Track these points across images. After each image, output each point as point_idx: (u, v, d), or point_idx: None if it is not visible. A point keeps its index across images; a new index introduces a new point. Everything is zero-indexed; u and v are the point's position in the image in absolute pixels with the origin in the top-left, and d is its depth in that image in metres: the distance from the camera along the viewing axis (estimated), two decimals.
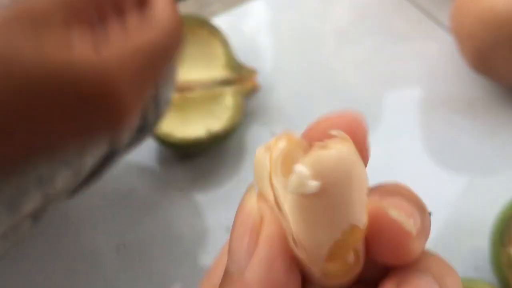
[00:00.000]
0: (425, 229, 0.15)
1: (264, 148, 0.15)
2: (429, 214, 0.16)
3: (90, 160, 0.31)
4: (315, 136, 0.15)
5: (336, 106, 0.49)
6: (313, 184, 0.13)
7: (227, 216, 0.45)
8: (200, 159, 0.47)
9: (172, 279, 0.43)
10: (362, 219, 0.14)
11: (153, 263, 0.43)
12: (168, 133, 0.45)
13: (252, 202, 0.14)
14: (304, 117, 0.48)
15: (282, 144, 0.15)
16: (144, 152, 0.48)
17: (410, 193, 0.15)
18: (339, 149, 0.13)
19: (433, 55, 0.53)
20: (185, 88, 0.48)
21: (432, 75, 0.51)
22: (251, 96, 0.50)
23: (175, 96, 0.47)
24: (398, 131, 0.48)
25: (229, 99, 0.47)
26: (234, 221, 0.14)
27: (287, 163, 0.14)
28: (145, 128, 0.34)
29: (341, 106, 0.49)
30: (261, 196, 0.15)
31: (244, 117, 0.48)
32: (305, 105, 0.50)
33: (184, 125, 0.46)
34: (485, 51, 0.45)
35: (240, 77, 0.49)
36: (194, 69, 0.50)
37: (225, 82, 0.48)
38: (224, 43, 0.49)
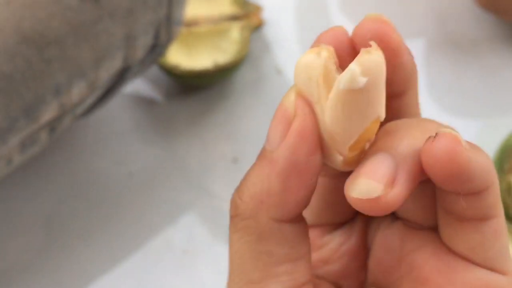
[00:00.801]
0: (403, 162, 0.16)
1: (313, 54, 0.17)
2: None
3: (105, 74, 0.32)
4: (358, 39, 0.18)
5: None
6: (362, 80, 0.16)
7: (233, 148, 0.46)
8: (206, 92, 0.48)
9: (179, 207, 0.44)
10: (383, 112, 0.17)
11: (161, 192, 0.45)
12: (175, 65, 0.46)
13: (290, 99, 0.17)
14: None
15: (325, 54, 0.17)
16: (152, 85, 0.49)
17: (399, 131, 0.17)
18: (379, 55, 0.16)
19: None
20: (192, 23, 0.49)
21: (437, 14, 0.52)
22: (256, 32, 0.50)
23: (182, 30, 0.48)
24: None
25: (235, 33, 0.48)
26: (275, 112, 0.17)
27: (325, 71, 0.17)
28: (157, 47, 0.35)
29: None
30: (300, 95, 0.17)
31: (249, 53, 0.49)
32: (309, 40, 0.51)
33: (191, 58, 0.47)
34: None
35: (246, 13, 0.49)
36: (201, 5, 0.50)
37: (232, 18, 0.49)
38: None
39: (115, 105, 0.47)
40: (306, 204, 0.17)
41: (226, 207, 0.46)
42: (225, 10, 0.49)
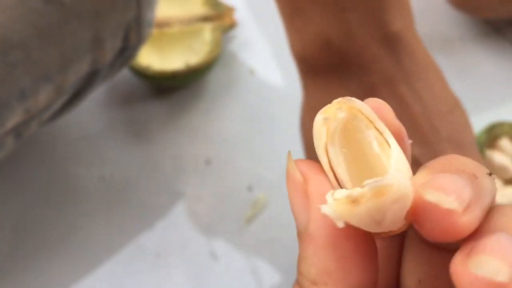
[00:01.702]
0: (481, 195, 0.15)
1: (322, 118, 0.16)
2: (489, 175, 0.16)
3: (72, 77, 0.32)
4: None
5: None
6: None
7: (207, 149, 0.46)
8: (179, 93, 0.48)
9: (152, 210, 0.44)
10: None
11: (134, 194, 0.44)
12: (147, 66, 0.45)
13: (293, 169, 0.16)
14: (280, 54, 0.48)
15: (341, 115, 0.16)
16: (123, 87, 0.48)
17: (460, 162, 0.16)
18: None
19: None
20: (163, 24, 0.48)
21: None
22: (229, 33, 0.50)
23: (153, 31, 0.47)
24: None
25: (207, 34, 0.48)
26: (286, 185, 0.16)
27: (348, 130, 0.16)
28: (127, 50, 0.34)
29: None
30: (311, 161, 0.16)
31: (222, 53, 0.49)
32: (282, 41, 0.51)
33: (163, 59, 0.46)
34: None
35: (218, 14, 0.49)
36: (173, 6, 0.50)
37: (204, 19, 0.49)
38: None
39: (85, 107, 0.46)
40: (371, 271, 0.16)
41: (199, 209, 0.46)
42: (197, 11, 0.49)
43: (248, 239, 0.41)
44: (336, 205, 0.14)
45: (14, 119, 0.30)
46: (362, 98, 0.16)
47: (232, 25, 0.49)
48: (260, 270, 0.40)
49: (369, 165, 0.16)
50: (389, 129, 0.16)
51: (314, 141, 0.16)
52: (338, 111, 0.16)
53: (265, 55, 0.50)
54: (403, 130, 0.16)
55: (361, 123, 0.16)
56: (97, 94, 0.47)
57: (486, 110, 0.46)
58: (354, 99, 0.16)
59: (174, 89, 0.48)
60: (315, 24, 0.28)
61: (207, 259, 0.41)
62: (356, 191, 0.14)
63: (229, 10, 0.49)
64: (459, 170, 0.15)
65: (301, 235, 0.16)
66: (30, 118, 0.31)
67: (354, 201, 0.14)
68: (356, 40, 0.28)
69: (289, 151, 0.16)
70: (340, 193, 0.15)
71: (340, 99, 0.16)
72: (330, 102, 0.16)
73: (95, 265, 0.41)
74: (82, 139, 0.46)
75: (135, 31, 0.34)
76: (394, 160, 0.15)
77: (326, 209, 0.14)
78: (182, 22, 0.48)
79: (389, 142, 0.16)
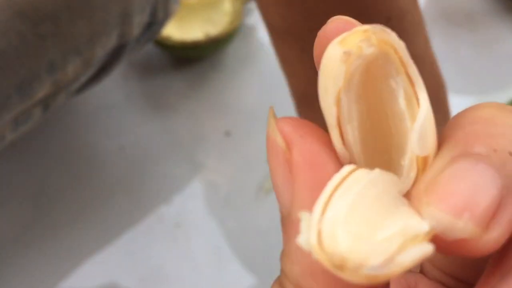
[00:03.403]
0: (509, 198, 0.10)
1: (342, 53, 0.11)
2: None
3: (100, 51, 0.32)
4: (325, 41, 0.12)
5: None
6: None
7: (226, 122, 0.46)
8: (198, 65, 0.48)
9: (171, 181, 0.44)
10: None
11: (153, 165, 0.44)
12: (167, 36, 0.45)
13: (273, 131, 0.12)
14: None
15: (369, 50, 0.11)
16: (143, 59, 0.48)
17: (498, 127, 0.11)
18: None
19: None
20: None
21: None
22: (249, 4, 0.49)
23: None
24: None
25: (227, 5, 0.47)
26: (268, 160, 0.12)
27: (371, 73, 0.12)
28: (153, 25, 0.34)
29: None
30: (298, 119, 0.12)
31: (241, 25, 0.48)
32: None
33: (183, 30, 0.46)
34: None
35: None
36: None
37: None
38: None
39: (106, 78, 0.46)
40: None
41: (218, 180, 0.47)
42: None
43: (266, 210, 0.42)
44: (318, 248, 0.10)
45: (42, 91, 0.30)
46: None
47: None
48: (275, 243, 0.41)
49: (388, 126, 0.12)
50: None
51: (322, 84, 0.12)
52: (364, 44, 0.11)
53: None
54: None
55: (391, 66, 0.12)
56: None
57: (509, 85, 0.46)
58: (387, 29, 0.11)
59: (193, 60, 0.48)
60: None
61: (226, 229, 0.42)
62: (340, 255, 0.10)
63: None
64: (489, 148, 0.11)
65: (284, 220, 0.12)
66: (58, 90, 0.31)
67: (340, 267, 0.10)
68: None
69: (271, 107, 0.12)
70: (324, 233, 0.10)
71: (367, 26, 0.11)
72: None
73: (114, 234, 0.42)
74: (101, 109, 0.46)
75: (162, 7, 0.34)
76: (419, 126, 0.11)
77: (303, 242, 0.10)
78: None
79: (419, 98, 0.12)
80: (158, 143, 0.45)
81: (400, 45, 0.12)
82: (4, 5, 0.28)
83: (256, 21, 0.50)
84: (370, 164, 0.12)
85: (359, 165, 0.12)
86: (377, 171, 0.11)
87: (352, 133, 0.12)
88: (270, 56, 0.49)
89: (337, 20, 0.12)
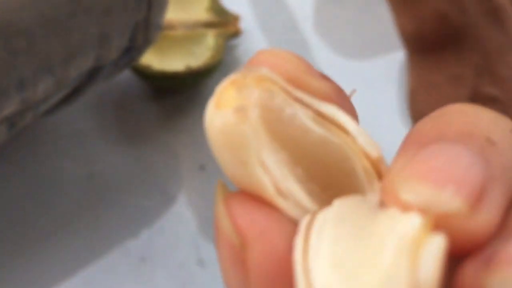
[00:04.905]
0: (503, 173, 0.10)
1: (230, 112, 0.10)
2: None
3: (74, 72, 0.31)
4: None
5: (320, 52, 0.49)
6: None
7: (201, 155, 0.45)
8: (177, 97, 0.47)
9: (140, 212, 0.43)
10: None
11: (123, 195, 0.43)
12: (147, 66, 0.45)
13: (224, 218, 0.10)
14: None
15: (255, 95, 0.10)
16: (120, 86, 0.47)
17: (469, 118, 0.10)
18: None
19: None
20: (166, 27, 0.48)
21: None
22: (232, 40, 0.50)
23: None
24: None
25: (210, 40, 0.47)
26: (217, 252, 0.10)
27: (270, 116, 0.10)
28: (132, 50, 0.34)
29: (323, 52, 0.49)
30: (257, 201, 0.10)
31: (224, 60, 0.48)
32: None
33: (164, 60, 0.46)
34: None
35: (223, 21, 0.49)
36: (177, 10, 0.50)
37: (208, 25, 0.49)
38: None
39: (78, 102, 0.45)
40: None
41: (189, 214, 0.45)
42: (201, 17, 0.49)
43: None
44: None
45: (10, 107, 0.29)
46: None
47: (236, 33, 0.49)
48: None
49: (319, 155, 0.10)
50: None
51: (229, 160, 0.10)
52: (246, 91, 0.10)
53: None
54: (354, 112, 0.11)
55: (280, 98, 0.10)
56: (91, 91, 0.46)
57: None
58: (252, 67, 0.10)
59: (172, 91, 0.47)
60: (430, 2, 0.29)
61: (194, 266, 0.41)
62: None
63: (234, 18, 0.49)
64: (464, 134, 0.10)
65: None
66: (26, 109, 0.31)
67: None
68: (469, 13, 0.29)
69: (219, 180, 0.10)
70: None
71: (232, 75, 0.10)
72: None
73: (77, 267, 0.40)
74: (72, 135, 0.45)
75: (142, 32, 0.33)
76: (355, 131, 0.10)
77: None
78: (185, 27, 0.48)
79: (325, 112, 0.11)
80: (129, 174, 0.44)
81: (273, 75, 0.10)
82: None
83: (239, 57, 0.50)
84: (323, 202, 0.10)
85: (313, 211, 0.10)
86: (336, 203, 0.10)
87: (293, 187, 0.10)
88: None
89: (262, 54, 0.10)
